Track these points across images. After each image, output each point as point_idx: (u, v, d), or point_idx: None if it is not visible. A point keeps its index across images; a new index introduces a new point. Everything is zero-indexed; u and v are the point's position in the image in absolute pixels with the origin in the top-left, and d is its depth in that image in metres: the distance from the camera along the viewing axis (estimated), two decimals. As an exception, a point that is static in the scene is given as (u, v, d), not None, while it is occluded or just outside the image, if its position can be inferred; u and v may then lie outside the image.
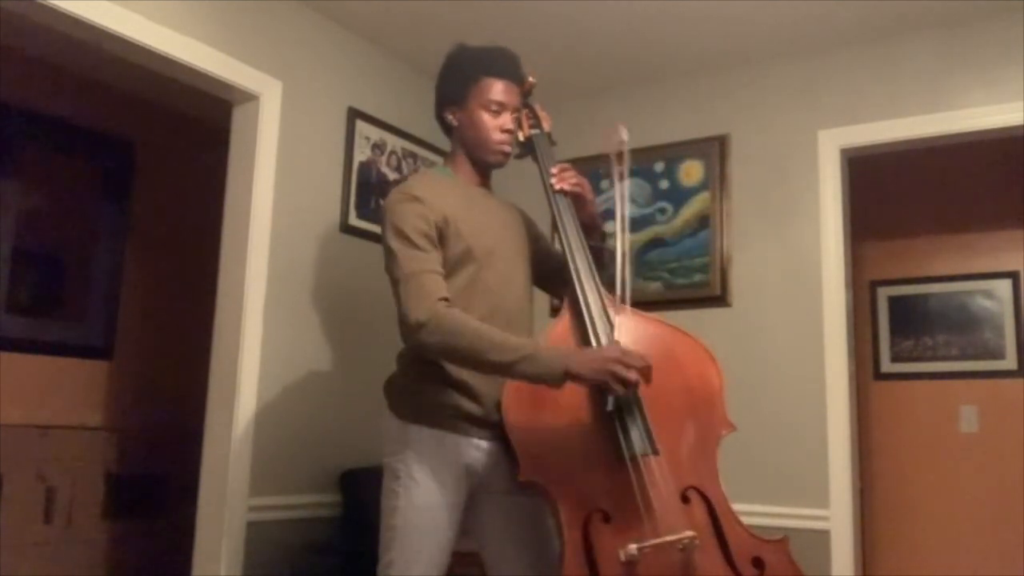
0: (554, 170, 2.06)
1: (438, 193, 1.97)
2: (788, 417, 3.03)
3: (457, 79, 2.09)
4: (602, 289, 1.95)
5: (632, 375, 1.69)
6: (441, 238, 1.94)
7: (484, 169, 2.12)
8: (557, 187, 2.03)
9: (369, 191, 3.17)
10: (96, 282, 3.71)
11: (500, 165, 2.11)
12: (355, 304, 3.09)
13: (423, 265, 1.88)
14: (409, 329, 1.84)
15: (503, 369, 1.77)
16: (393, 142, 3.30)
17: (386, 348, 3.03)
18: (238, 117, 2.84)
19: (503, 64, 2.09)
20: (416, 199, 1.93)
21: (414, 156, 3.38)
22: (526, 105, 2.18)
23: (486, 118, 2.04)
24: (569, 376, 1.72)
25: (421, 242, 1.90)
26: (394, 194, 2.00)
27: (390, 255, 1.92)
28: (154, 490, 3.71)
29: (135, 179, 3.88)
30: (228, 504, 2.58)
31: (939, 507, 3.86)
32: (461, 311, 1.84)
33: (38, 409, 3.43)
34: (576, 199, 2.06)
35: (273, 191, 2.80)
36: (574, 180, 2.06)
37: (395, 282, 1.90)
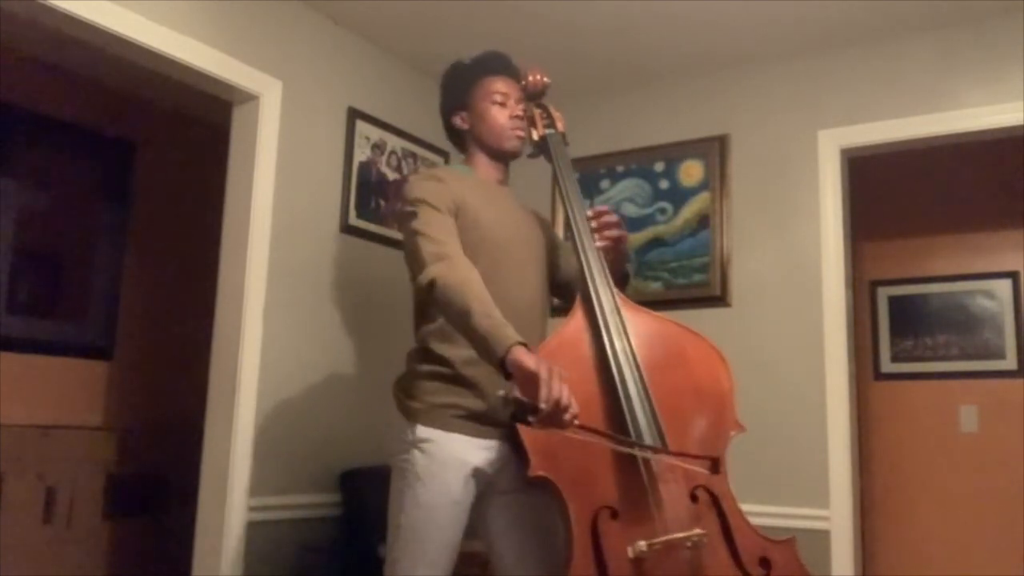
0: (590, 213, 2.03)
1: (457, 182, 2.02)
2: (788, 417, 3.03)
3: (457, 86, 2.17)
4: (614, 288, 1.96)
5: (553, 395, 1.54)
6: (457, 221, 1.96)
7: (502, 163, 2.16)
8: (599, 245, 1.99)
9: (369, 191, 3.17)
10: (96, 282, 3.70)
11: (518, 152, 2.15)
12: (355, 304, 3.09)
13: (443, 220, 1.92)
14: (424, 265, 1.84)
15: (471, 316, 1.72)
16: (393, 142, 3.30)
17: (386, 347, 3.04)
18: (238, 117, 2.84)
19: (497, 63, 2.17)
20: (436, 178, 2.00)
21: (414, 156, 3.38)
22: (540, 105, 2.20)
23: (493, 109, 2.11)
24: (509, 356, 1.63)
25: (441, 207, 1.94)
26: (414, 176, 2.08)
27: (409, 218, 1.93)
28: (154, 490, 3.71)
29: (135, 179, 3.88)
30: (228, 504, 2.58)
31: (939, 507, 3.86)
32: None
33: (38, 409, 3.43)
34: (611, 251, 2.04)
35: (273, 191, 2.80)
36: (615, 233, 2.04)
37: (413, 234, 1.91)
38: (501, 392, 1.61)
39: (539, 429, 1.60)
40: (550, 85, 2.21)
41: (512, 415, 1.62)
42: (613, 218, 2.04)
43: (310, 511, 2.84)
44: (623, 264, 2.12)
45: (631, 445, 1.77)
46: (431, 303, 1.88)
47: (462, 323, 1.75)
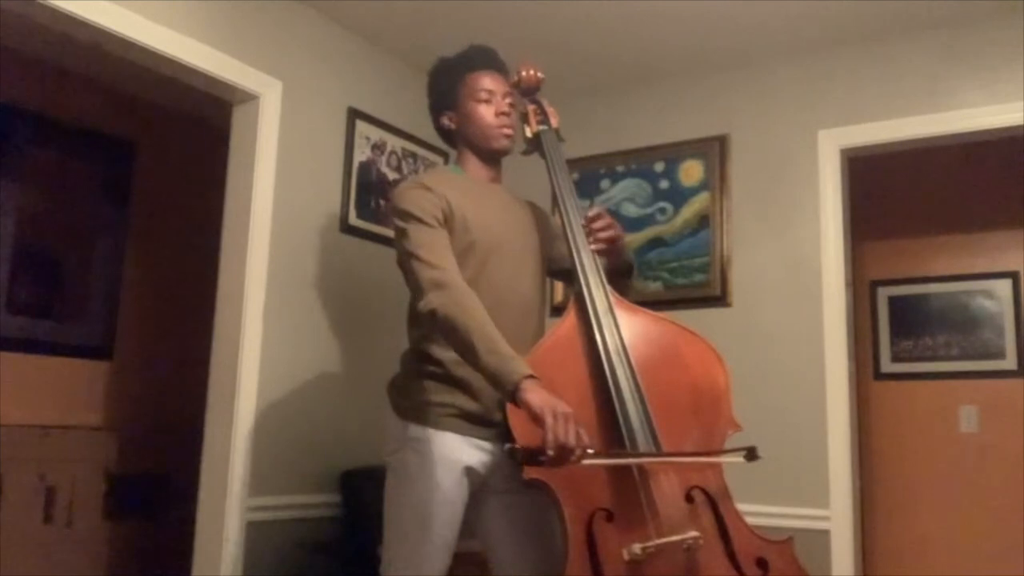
0: (584, 222, 2.01)
1: (446, 185, 2.00)
2: (788, 417, 3.03)
3: (443, 85, 2.15)
4: (608, 287, 1.95)
5: (558, 440, 1.57)
6: (447, 228, 1.96)
7: (493, 162, 2.14)
8: (592, 248, 1.98)
9: (369, 191, 3.17)
10: (96, 282, 3.71)
11: (507, 150, 2.12)
12: (355, 304, 3.09)
13: (435, 238, 1.91)
14: (423, 293, 1.84)
15: (476, 353, 1.74)
16: (393, 142, 3.30)
17: (386, 348, 3.04)
18: (238, 117, 2.84)
19: (481, 57, 2.15)
20: (424, 187, 1.98)
21: (414, 156, 3.38)
22: (534, 101, 2.19)
23: (480, 108, 2.09)
24: (517, 395, 1.66)
25: (431, 221, 1.93)
26: (402, 185, 2.06)
27: (401, 235, 1.94)
28: (154, 490, 3.71)
29: (135, 179, 3.88)
30: (228, 504, 2.58)
31: (939, 507, 3.86)
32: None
33: (38, 409, 3.43)
34: (609, 252, 2.03)
35: (273, 191, 2.80)
36: (609, 234, 2.01)
37: (408, 255, 1.91)
38: (507, 446, 1.66)
39: (550, 468, 1.64)
40: (544, 80, 2.19)
41: (523, 460, 1.66)
42: (606, 220, 2.02)
43: (310, 511, 2.83)
44: (622, 259, 2.11)
45: (637, 456, 1.77)
46: (433, 330, 1.88)
47: (467, 358, 1.78)
